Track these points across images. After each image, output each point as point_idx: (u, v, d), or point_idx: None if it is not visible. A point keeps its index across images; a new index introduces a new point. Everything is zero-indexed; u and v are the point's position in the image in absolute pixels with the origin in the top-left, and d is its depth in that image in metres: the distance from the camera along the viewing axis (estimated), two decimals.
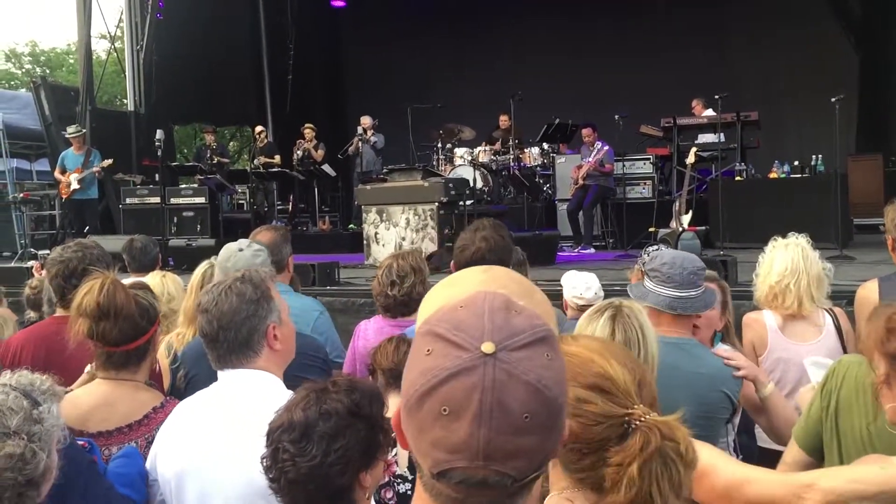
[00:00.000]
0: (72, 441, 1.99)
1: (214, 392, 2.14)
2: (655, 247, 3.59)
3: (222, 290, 2.12)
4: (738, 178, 10.06)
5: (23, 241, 11.94)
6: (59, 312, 3.02)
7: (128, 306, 2.39)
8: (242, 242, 3.10)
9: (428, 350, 0.99)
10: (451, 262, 3.25)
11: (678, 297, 2.63)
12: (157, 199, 11.03)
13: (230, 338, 2.08)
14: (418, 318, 1.16)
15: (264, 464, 1.66)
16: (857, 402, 2.15)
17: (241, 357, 2.10)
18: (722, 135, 10.13)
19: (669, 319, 2.66)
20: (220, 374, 2.14)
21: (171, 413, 2.24)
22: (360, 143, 12.99)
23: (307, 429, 1.62)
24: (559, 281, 4.34)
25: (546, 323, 1.04)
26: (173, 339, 3.29)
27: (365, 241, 9.53)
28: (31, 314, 4.90)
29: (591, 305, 3.98)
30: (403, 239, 9.07)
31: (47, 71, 30.77)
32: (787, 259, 3.28)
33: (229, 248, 3.07)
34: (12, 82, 31.33)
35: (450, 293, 1.20)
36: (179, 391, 2.94)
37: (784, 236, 3.47)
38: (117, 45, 15.66)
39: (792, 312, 3.27)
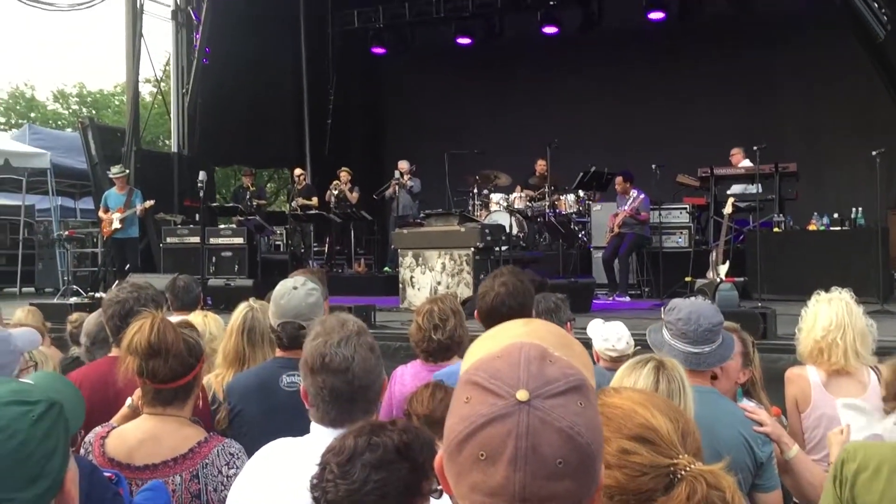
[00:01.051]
0: (97, 472, 2.02)
1: (313, 447, 1.96)
2: (694, 297, 3.56)
3: (354, 346, 2.04)
4: (776, 229, 9.98)
5: (66, 278, 12.17)
6: (115, 352, 3.07)
7: (177, 345, 2.44)
8: (297, 280, 3.11)
9: (467, 398, 1.04)
10: (475, 311, 3.27)
11: (692, 352, 2.64)
12: (196, 239, 11.22)
13: (370, 397, 2.02)
14: (461, 369, 1.21)
15: (311, 482, 1.69)
16: (876, 480, 2.08)
17: (366, 415, 2.03)
18: (759, 185, 10.09)
19: (686, 370, 2.67)
20: (317, 428, 2.03)
21: (252, 462, 2.16)
22: (396, 187, 13.13)
23: (353, 455, 1.66)
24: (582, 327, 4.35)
25: (579, 372, 1.07)
26: (212, 380, 3.33)
27: (400, 285, 9.57)
28: (75, 349, 4.97)
29: (623, 356, 4.00)
30: (439, 283, 9.10)
31: (93, 112, 31.56)
32: (831, 314, 3.25)
33: (284, 285, 3.08)
34: (59, 122, 32.18)
35: (490, 345, 1.25)
36: (221, 428, 2.99)
37: (827, 290, 3.44)
38: (162, 87, 16.07)
39: (837, 368, 3.23)
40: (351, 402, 2.02)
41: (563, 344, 1.25)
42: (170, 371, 2.43)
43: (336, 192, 13.58)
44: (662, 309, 2.88)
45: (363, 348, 2.05)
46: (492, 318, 3.11)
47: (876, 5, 9.65)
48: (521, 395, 1.00)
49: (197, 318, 4.06)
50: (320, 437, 2.03)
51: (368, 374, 2.03)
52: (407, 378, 3.41)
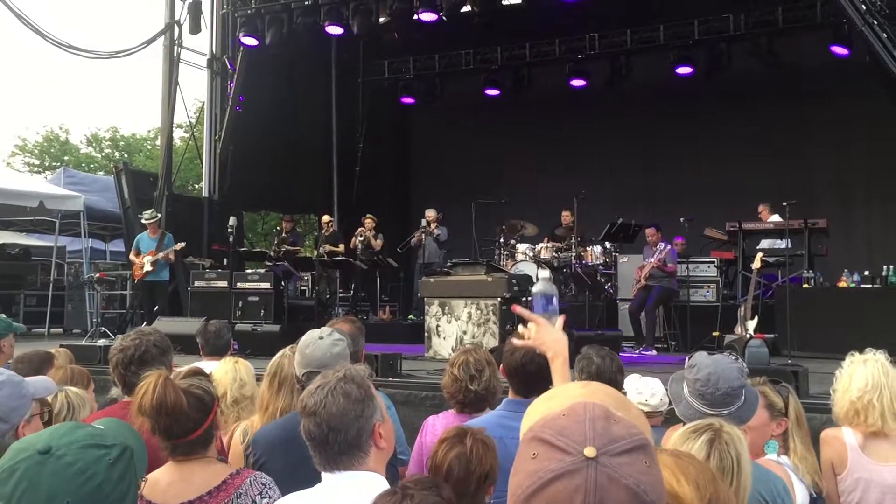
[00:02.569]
0: None
1: (323, 495, 2.09)
2: (720, 354, 3.52)
3: (328, 391, 2.09)
4: (805, 285, 9.89)
5: (95, 320, 12.29)
6: (126, 399, 3.11)
7: (179, 403, 2.47)
8: (324, 331, 3.13)
9: (533, 454, 1.06)
10: (501, 366, 3.25)
11: (708, 414, 2.57)
12: (223, 283, 11.32)
13: (340, 440, 2.05)
14: (521, 430, 1.23)
15: None
16: None
17: (351, 458, 2.07)
18: (788, 241, 10.02)
19: None
20: (326, 475, 2.10)
21: None
22: (423, 236, 13.20)
23: None
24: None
25: (642, 432, 1.10)
26: (248, 427, 3.34)
27: (426, 334, 9.56)
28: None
29: (656, 412, 3.97)
30: (465, 333, 9.08)
31: (125, 156, 32.13)
32: (866, 375, 3.22)
33: (311, 335, 3.10)
34: (91, 165, 32.75)
35: (550, 406, 1.27)
36: None
37: (858, 349, 3.42)
38: (195, 133, 16.37)
39: (875, 430, 3.19)
40: (323, 445, 2.06)
41: (621, 406, 1.27)
42: (179, 427, 2.47)
43: (361, 239, 13.68)
44: (686, 360, 2.84)
45: (338, 393, 2.08)
46: (519, 374, 3.11)
47: None
48: (589, 451, 1.02)
49: (227, 364, 4.08)
50: (325, 481, 2.09)
51: (340, 418, 2.04)
52: (438, 428, 3.39)
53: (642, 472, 1.03)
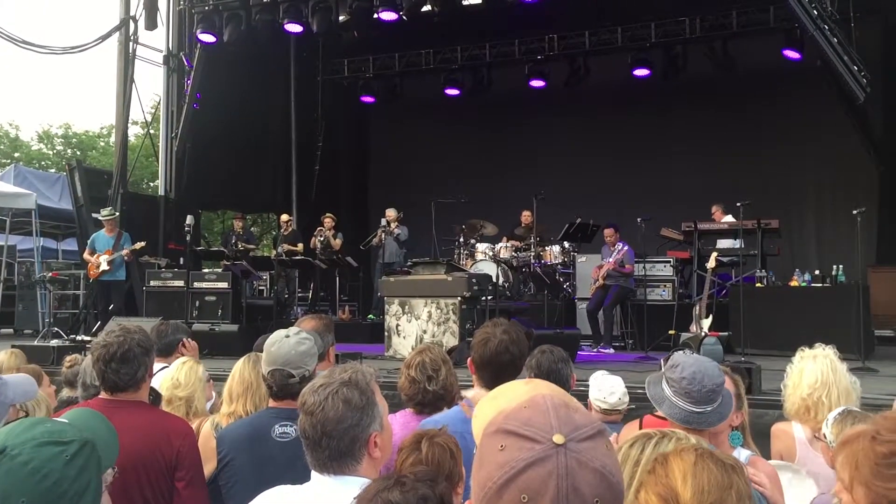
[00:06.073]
0: None
1: (310, 494, 2.06)
2: (682, 351, 3.57)
3: (329, 393, 2.06)
4: (759, 284, 10.09)
5: (48, 320, 12.05)
6: (103, 395, 3.06)
7: None
8: (291, 330, 3.14)
9: (501, 446, 1.09)
10: (469, 358, 3.22)
11: (695, 412, 2.61)
12: (180, 283, 11.18)
13: (332, 445, 2.03)
14: (474, 432, 1.25)
15: None
16: None
17: (341, 465, 2.05)
18: (742, 241, 10.20)
19: (685, 428, 2.64)
20: (315, 475, 2.08)
21: None
22: (383, 235, 13.18)
23: None
24: (583, 380, 4.37)
25: (597, 419, 1.17)
26: (221, 420, 3.33)
27: (386, 333, 9.56)
28: (65, 391, 4.89)
29: (614, 410, 4.03)
30: (425, 332, 9.10)
31: (78, 153, 31.54)
32: (816, 371, 3.29)
33: (278, 333, 3.12)
34: (43, 162, 32.10)
35: (497, 404, 1.30)
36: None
37: (809, 346, 3.48)
38: (151, 130, 16.13)
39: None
40: (316, 446, 2.04)
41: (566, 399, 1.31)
42: None
43: (321, 239, 13.62)
44: (662, 361, 2.87)
45: (338, 398, 2.05)
46: (492, 364, 3.08)
47: (856, 68, 9.91)
48: (558, 438, 1.07)
49: (177, 364, 3.97)
50: (314, 481, 2.06)
51: (335, 425, 2.02)
52: (396, 427, 3.37)
53: (606, 456, 1.09)
